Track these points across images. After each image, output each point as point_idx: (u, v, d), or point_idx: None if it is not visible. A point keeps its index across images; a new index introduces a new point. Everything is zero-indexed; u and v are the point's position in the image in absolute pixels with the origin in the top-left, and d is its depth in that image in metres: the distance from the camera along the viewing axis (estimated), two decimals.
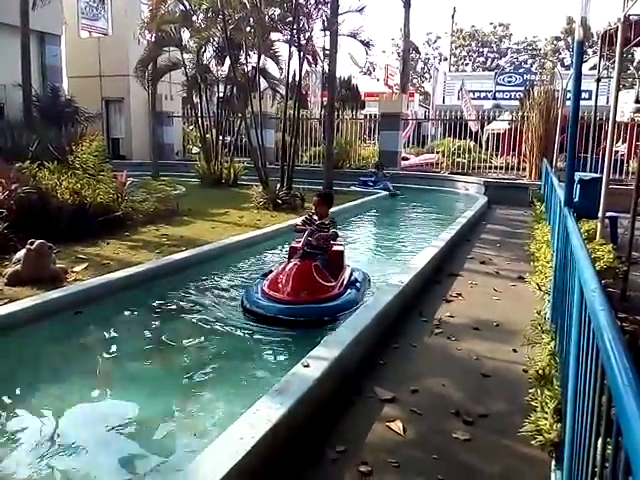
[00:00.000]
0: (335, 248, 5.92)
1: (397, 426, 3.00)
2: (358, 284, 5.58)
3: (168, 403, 3.54)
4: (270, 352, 4.48)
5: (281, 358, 4.40)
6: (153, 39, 16.18)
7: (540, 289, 5.06)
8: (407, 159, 21.11)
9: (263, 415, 2.66)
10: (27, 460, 2.83)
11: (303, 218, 5.94)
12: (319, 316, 4.84)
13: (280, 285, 5.10)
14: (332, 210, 9.44)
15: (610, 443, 1.31)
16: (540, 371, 3.18)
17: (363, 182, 16.14)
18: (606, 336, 1.37)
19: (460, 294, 5.62)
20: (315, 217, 5.78)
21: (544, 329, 3.97)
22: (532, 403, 2.92)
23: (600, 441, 1.43)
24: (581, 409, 1.80)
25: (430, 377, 3.68)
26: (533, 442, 2.65)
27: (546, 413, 2.74)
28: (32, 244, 5.32)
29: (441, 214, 12.46)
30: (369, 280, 5.99)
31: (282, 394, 2.89)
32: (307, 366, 3.24)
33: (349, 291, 5.31)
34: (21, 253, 5.40)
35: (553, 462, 2.57)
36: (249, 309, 4.94)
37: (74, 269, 5.79)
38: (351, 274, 5.79)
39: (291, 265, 5.30)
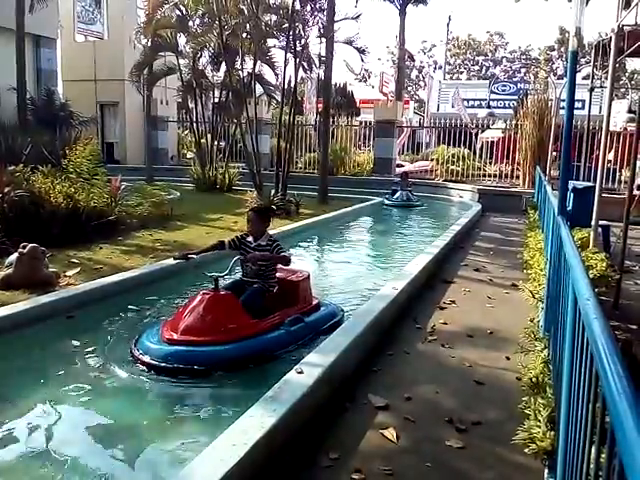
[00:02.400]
0: (291, 278, 4.92)
1: (391, 434, 2.99)
2: (308, 323, 4.61)
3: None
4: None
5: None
6: (149, 44, 16.18)
7: (533, 297, 5.08)
8: (402, 166, 21.17)
9: (256, 421, 2.65)
10: None
11: (229, 240, 4.74)
12: (208, 363, 3.87)
13: (179, 322, 4.19)
14: (328, 216, 9.34)
15: (604, 451, 1.31)
16: (533, 379, 3.18)
17: (393, 192, 15.06)
18: (600, 344, 1.37)
19: (454, 301, 5.62)
20: (249, 238, 4.69)
21: (537, 337, 3.98)
22: (525, 411, 2.91)
23: (594, 449, 1.43)
24: (574, 417, 1.80)
25: (424, 384, 3.67)
26: (526, 450, 2.65)
27: (539, 421, 2.74)
28: (24, 248, 5.29)
29: (435, 221, 12.50)
30: (341, 316, 5.04)
31: (275, 400, 2.88)
32: (301, 372, 3.23)
33: (276, 332, 4.33)
34: (13, 257, 5.37)
35: (546, 470, 2.57)
36: (132, 353, 4.03)
37: (67, 273, 5.76)
38: (308, 311, 4.80)
39: (199, 296, 4.31)
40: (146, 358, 3.90)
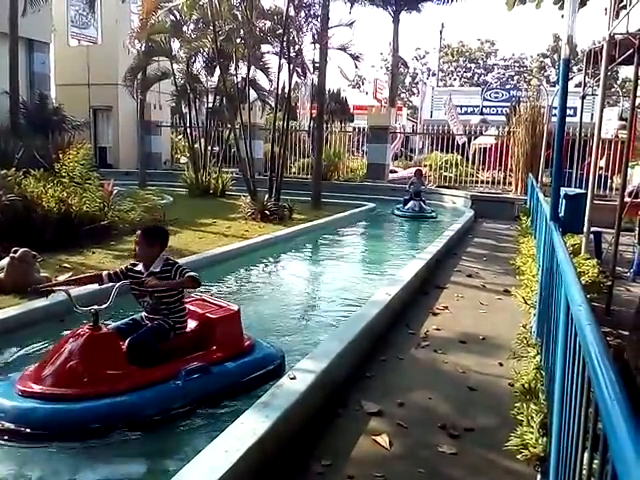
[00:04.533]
0: (209, 314, 3.98)
1: (383, 440, 2.98)
2: (220, 373, 3.69)
3: None
4: None
5: None
6: (143, 48, 16.18)
7: (526, 303, 5.10)
8: (395, 172, 21.24)
9: (249, 428, 2.64)
10: None
11: (111, 272, 3.80)
12: (52, 425, 3.07)
13: (40, 369, 3.38)
14: (321, 221, 9.28)
15: (596, 457, 1.31)
16: (526, 385, 3.19)
17: (405, 202, 13.74)
18: (593, 350, 1.37)
19: (447, 307, 5.63)
20: (139, 267, 3.76)
21: (530, 343, 3.99)
22: (518, 417, 2.92)
23: (586, 455, 1.43)
24: (567, 423, 1.81)
25: (417, 390, 3.67)
26: (519, 456, 2.65)
27: (532, 427, 2.74)
28: (16, 252, 5.25)
29: (428, 226, 12.53)
30: (279, 362, 4.07)
31: (268, 407, 2.86)
32: (293, 378, 3.22)
33: (161, 387, 3.42)
34: (4, 261, 5.34)
35: (539, 476, 2.57)
36: None
37: (58, 278, 5.71)
38: (232, 356, 3.87)
39: (71, 335, 3.47)
40: None
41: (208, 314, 3.98)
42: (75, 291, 3.98)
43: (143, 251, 3.71)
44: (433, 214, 13.57)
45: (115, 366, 3.38)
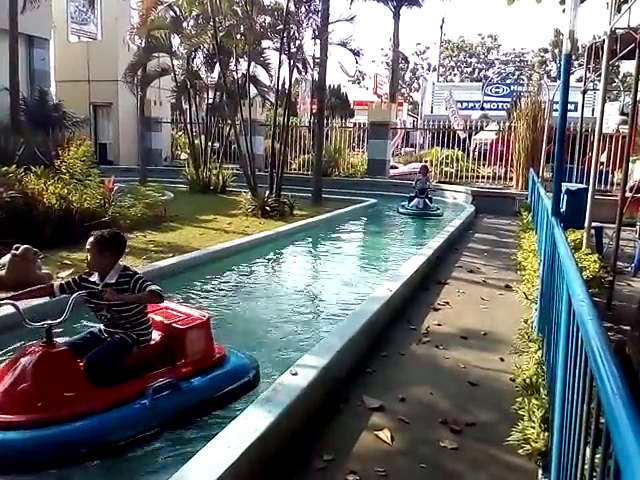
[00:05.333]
0: (177, 324, 3.58)
1: (385, 435, 2.99)
2: (190, 389, 3.38)
3: None
4: None
5: None
6: (143, 45, 16.14)
7: (527, 298, 5.10)
8: (396, 167, 21.21)
9: (251, 424, 2.64)
10: None
11: (63, 283, 3.46)
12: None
13: None
14: (322, 217, 9.22)
15: (599, 452, 1.32)
16: (527, 380, 3.19)
17: (410, 199, 13.25)
18: (595, 345, 1.37)
19: (448, 302, 5.63)
20: (94, 277, 3.42)
21: (531, 338, 4.00)
22: (519, 412, 2.92)
23: (589, 450, 1.43)
24: (569, 418, 1.81)
25: (418, 386, 3.67)
26: (520, 451, 2.66)
27: (533, 422, 2.74)
28: (17, 249, 5.26)
29: (429, 223, 12.51)
30: (252, 374, 3.73)
31: (270, 402, 2.87)
32: (295, 374, 3.22)
33: (127, 409, 3.09)
34: (6, 258, 5.34)
35: (540, 471, 2.57)
36: None
37: (60, 275, 5.72)
38: (203, 369, 3.54)
39: (21, 354, 3.13)
40: None
41: (175, 324, 3.58)
42: (26, 303, 3.67)
43: (95, 260, 3.36)
44: (438, 212, 13.05)
45: (72, 387, 3.02)
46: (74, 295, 3.25)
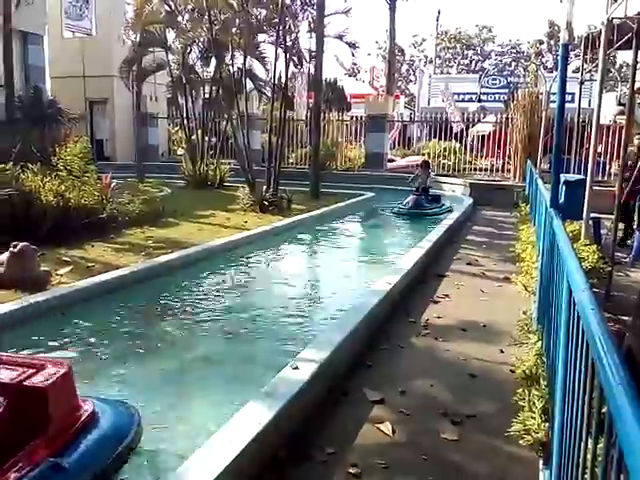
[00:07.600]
0: (29, 381, 2.47)
1: (386, 427, 3.00)
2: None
3: None
4: None
5: None
6: (138, 39, 16.06)
7: (526, 289, 5.11)
8: (393, 161, 21.18)
9: (253, 417, 2.65)
10: None
11: None
12: None
13: None
14: (320, 212, 9.17)
15: (600, 442, 1.32)
16: (527, 371, 3.20)
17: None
18: (597, 335, 1.37)
19: (447, 295, 5.64)
20: None
21: (530, 329, 4.01)
22: (520, 403, 2.93)
23: (591, 440, 1.43)
24: (570, 408, 1.81)
25: (418, 378, 3.68)
26: (521, 442, 2.67)
27: (534, 413, 2.76)
28: (15, 247, 5.24)
29: (429, 218, 12.48)
30: (133, 433, 2.78)
31: (271, 396, 2.88)
32: (296, 368, 3.23)
33: None
34: (4, 256, 5.32)
35: (541, 462, 2.59)
36: None
37: (58, 272, 5.71)
38: (59, 445, 2.43)
39: None
40: None
41: (24, 382, 2.47)
42: None
43: None
44: (436, 210, 11.84)
45: None
46: None
